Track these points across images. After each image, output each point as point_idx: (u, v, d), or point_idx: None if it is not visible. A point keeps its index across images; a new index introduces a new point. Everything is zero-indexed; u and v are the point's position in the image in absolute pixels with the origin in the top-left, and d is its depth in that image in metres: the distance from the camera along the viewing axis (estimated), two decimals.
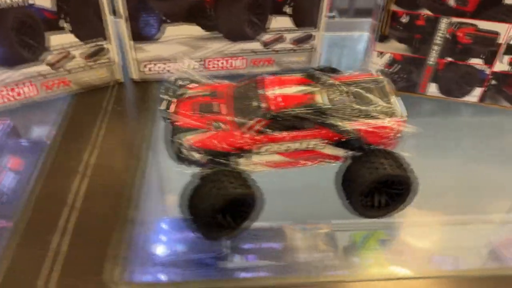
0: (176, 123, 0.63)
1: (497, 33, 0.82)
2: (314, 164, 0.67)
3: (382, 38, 0.87)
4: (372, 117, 0.64)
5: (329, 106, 0.63)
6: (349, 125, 0.63)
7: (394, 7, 0.84)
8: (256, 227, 0.65)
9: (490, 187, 0.78)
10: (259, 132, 0.61)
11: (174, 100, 0.66)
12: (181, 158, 0.63)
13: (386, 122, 0.64)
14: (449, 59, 0.87)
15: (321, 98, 0.63)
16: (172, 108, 0.65)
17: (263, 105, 0.62)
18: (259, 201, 0.62)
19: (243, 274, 0.64)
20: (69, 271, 0.59)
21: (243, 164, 0.63)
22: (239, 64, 0.95)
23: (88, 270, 0.59)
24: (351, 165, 0.65)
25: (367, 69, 0.74)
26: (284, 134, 0.62)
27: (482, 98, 0.91)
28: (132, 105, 0.91)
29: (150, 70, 0.92)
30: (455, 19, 0.83)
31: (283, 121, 0.61)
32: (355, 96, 0.66)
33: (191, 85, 0.69)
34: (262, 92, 0.63)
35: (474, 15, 0.81)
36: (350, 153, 0.65)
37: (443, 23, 0.84)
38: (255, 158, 0.63)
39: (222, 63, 0.94)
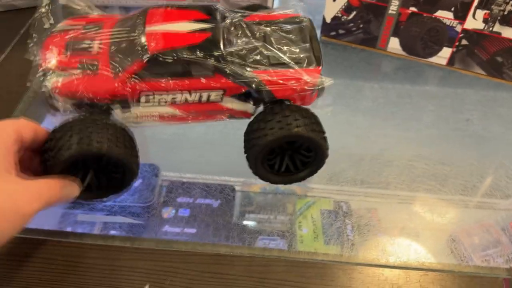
0: (42, 64, 0.52)
1: None
2: (220, 120, 0.57)
3: None
4: (282, 65, 0.53)
5: (227, 50, 0.51)
6: (251, 74, 0.52)
7: None
8: (196, 182, 0.62)
9: (446, 166, 0.67)
10: (137, 77, 0.50)
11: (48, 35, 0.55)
12: (52, 105, 0.53)
13: (298, 72, 0.52)
14: (413, 9, 0.73)
15: (218, 40, 0.52)
16: (40, 45, 0.54)
17: (144, 44, 0.50)
18: (129, 164, 0.50)
19: (168, 229, 0.59)
20: None
21: (121, 116, 0.53)
22: None
23: None
24: (253, 122, 0.54)
25: (296, 5, 0.61)
26: (167, 81, 0.51)
27: (450, 61, 0.77)
28: None
29: None
30: None
31: (163, 65, 0.50)
32: (265, 39, 0.55)
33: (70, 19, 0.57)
34: (146, 28, 0.52)
35: None
36: (258, 108, 0.55)
37: None
38: (137, 110, 0.53)
39: None
